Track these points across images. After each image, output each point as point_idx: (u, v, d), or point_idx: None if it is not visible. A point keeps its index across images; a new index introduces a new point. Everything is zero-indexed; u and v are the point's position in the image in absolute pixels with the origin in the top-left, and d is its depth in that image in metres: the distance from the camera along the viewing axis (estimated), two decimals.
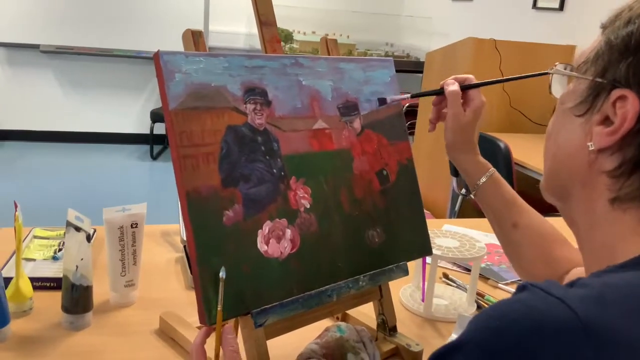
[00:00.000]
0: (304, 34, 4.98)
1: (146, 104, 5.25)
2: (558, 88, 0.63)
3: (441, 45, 4.06)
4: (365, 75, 0.98)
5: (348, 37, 5.01)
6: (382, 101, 0.96)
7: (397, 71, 3.83)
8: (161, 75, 0.75)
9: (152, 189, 4.39)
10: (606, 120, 0.52)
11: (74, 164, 4.69)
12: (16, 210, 0.97)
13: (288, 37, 4.93)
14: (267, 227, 0.80)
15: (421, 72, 3.96)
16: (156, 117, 4.89)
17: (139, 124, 5.27)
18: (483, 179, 0.91)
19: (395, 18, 5.33)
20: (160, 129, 5.16)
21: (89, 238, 0.93)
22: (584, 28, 3.25)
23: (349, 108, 0.93)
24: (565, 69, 0.62)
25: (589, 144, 0.53)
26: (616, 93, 0.51)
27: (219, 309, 0.71)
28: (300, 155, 0.86)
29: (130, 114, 5.26)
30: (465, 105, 0.92)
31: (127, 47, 4.91)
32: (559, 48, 3.17)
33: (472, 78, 0.93)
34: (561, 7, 3.42)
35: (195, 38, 0.82)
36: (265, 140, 0.82)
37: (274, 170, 0.82)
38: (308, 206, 0.85)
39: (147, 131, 5.03)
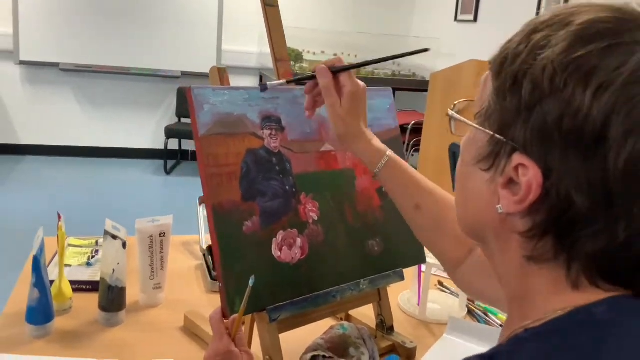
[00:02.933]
0: (314, 53, 5.14)
1: (161, 121, 5.42)
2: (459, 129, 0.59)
3: (446, 65, 4.19)
4: (367, 103, 1.11)
5: (356, 56, 5.16)
6: (263, 87, 0.93)
7: (403, 90, 4.06)
8: (192, 106, 0.88)
9: (166, 202, 4.53)
10: (511, 183, 0.49)
11: (91, 177, 4.85)
12: (60, 221, 1.11)
13: (298, 56, 5.09)
14: (280, 236, 0.92)
15: (427, 90, 4.10)
16: (170, 133, 5.05)
17: (154, 139, 5.44)
18: (380, 165, 0.88)
19: (402, 39, 5.48)
20: (174, 144, 5.32)
21: (124, 245, 1.06)
22: None
23: None
24: (457, 110, 0.59)
25: (498, 206, 0.51)
26: (517, 159, 0.47)
27: (242, 306, 0.82)
28: (309, 174, 0.99)
29: (146, 130, 5.43)
30: (340, 93, 0.88)
31: (144, 66, 5.10)
32: None
33: (340, 60, 0.89)
34: None
35: (220, 74, 0.95)
36: (279, 161, 0.95)
37: (287, 187, 0.95)
38: (316, 218, 0.97)
39: (162, 146, 5.18)
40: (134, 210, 4.16)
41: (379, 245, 1.05)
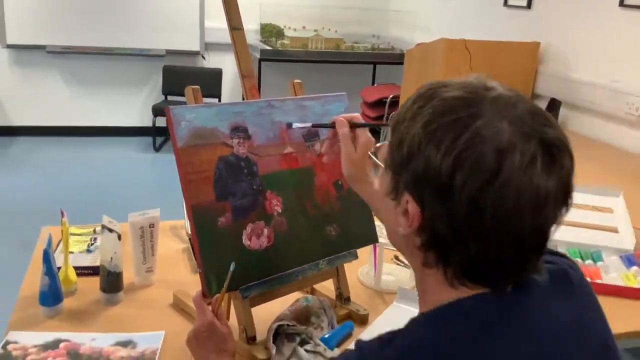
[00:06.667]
0: (294, 30, 5.24)
1: (148, 99, 5.54)
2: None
3: (423, 38, 4.34)
4: (324, 109, 1.28)
5: (336, 31, 5.27)
6: (289, 125, 1.17)
7: (382, 63, 4.28)
8: (171, 123, 1.06)
9: (155, 178, 4.70)
10: (407, 212, 0.68)
11: (81, 156, 5.01)
12: (63, 217, 1.29)
13: (279, 33, 5.20)
14: (249, 228, 1.11)
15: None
16: (157, 111, 5.18)
17: (141, 117, 5.57)
18: None
19: (382, 12, 5.59)
20: (162, 122, 5.45)
21: (119, 237, 1.25)
22: (548, 25, 3.53)
23: (311, 135, 1.24)
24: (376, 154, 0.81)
25: (400, 228, 0.69)
26: (406, 195, 0.67)
27: (224, 287, 1.02)
28: (273, 173, 1.17)
29: (133, 108, 5.56)
30: (354, 142, 1.05)
31: (129, 45, 5.20)
32: (524, 45, 3.46)
33: (358, 116, 1.09)
34: (529, 5, 3.69)
35: (195, 94, 1.12)
36: (247, 165, 1.13)
37: (254, 187, 1.14)
38: (280, 211, 1.16)
39: (150, 124, 5.33)
40: (128, 187, 4.34)
41: (335, 231, 1.24)
